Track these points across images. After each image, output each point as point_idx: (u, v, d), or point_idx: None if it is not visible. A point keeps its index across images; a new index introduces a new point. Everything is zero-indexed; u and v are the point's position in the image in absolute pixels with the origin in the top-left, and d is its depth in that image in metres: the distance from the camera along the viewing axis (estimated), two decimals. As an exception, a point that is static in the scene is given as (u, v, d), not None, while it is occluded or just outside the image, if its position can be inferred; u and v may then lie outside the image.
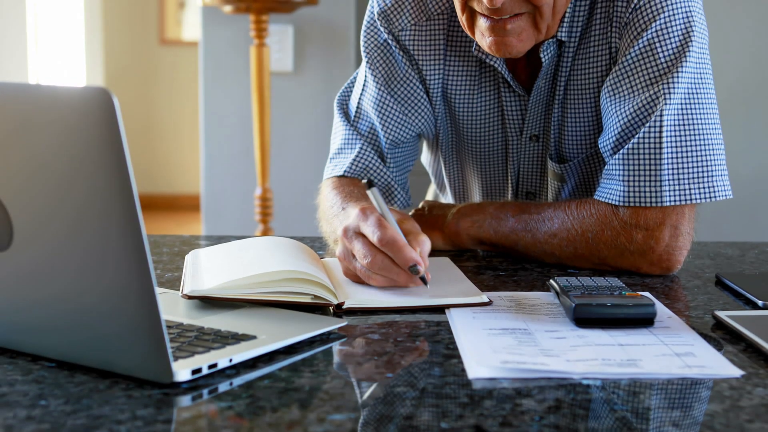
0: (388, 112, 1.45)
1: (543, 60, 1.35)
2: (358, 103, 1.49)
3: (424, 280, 1.11)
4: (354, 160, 1.45)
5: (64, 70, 5.77)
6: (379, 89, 1.45)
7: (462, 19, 1.32)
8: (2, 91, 0.80)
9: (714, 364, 0.88)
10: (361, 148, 1.46)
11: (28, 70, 4.98)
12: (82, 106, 0.74)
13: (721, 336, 0.98)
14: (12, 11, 4.85)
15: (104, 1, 6.62)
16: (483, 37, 1.30)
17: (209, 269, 1.13)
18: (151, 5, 6.84)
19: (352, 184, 1.42)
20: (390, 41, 1.43)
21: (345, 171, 1.45)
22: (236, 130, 3.32)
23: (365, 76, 1.48)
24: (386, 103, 1.45)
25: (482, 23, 1.29)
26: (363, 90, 1.48)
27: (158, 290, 0.86)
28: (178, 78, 6.84)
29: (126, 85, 6.77)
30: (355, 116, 1.49)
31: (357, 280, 1.15)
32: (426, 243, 1.13)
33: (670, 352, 0.91)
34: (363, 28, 1.47)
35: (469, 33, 1.33)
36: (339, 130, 1.51)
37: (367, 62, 1.46)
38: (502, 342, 0.93)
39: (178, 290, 1.11)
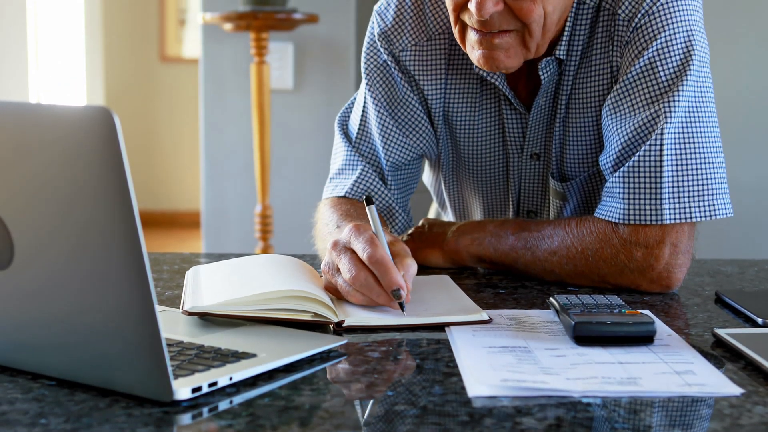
0: (389, 135, 1.45)
1: (542, 78, 1.36)
2: (360, 124, 1.49)
3: (402, 305, 1.10)
4: (355, 181, 1.45)
5: (64, 88, 5.79)
6: (379, 111, 1.46)
7: (455, 31, 1.33)
8: (3, 110, 0.80)
9: (714, 382, 0.88)
10: (362, 170, 1.46)
11: (28, 89, 4.99)
12: (83, 125, 0.75)
13: (721, 354, 0.98)
14: (12, 29, 4.87)
15: (105, 18, 6.64)
16: (473, 50, 1.32)
17: (210, 286, 1.13)
18: (152, 23, 6.86)
19: (351, 204, 1.42)
20: (390, 62, 1.44)
21: (346, 192, 1.45)
22: (236, 147, 3.33)
23: (365, 97, 1.48)
24: (386, 125, 1.45)
25: (472, 36, 1.30)
26: (363, 111, 1.48)
27: (158, 308, 0.86)
28: (178, 95, 6.85)
29: (126, 102, 6.79)
30: (356, 138, 1.49)
31: (337, 294, 1.15)
32: (412, 267, 1.13)
33: (670, 370, 0.91)
34: (363, 48, 1.47)
35: (461, 45, 1.34)
36: (340, 150, 1.51)
37: (367, 83, 1.46)
38: (502, 360, 0.93)
39: (179, 308, 1.11)
